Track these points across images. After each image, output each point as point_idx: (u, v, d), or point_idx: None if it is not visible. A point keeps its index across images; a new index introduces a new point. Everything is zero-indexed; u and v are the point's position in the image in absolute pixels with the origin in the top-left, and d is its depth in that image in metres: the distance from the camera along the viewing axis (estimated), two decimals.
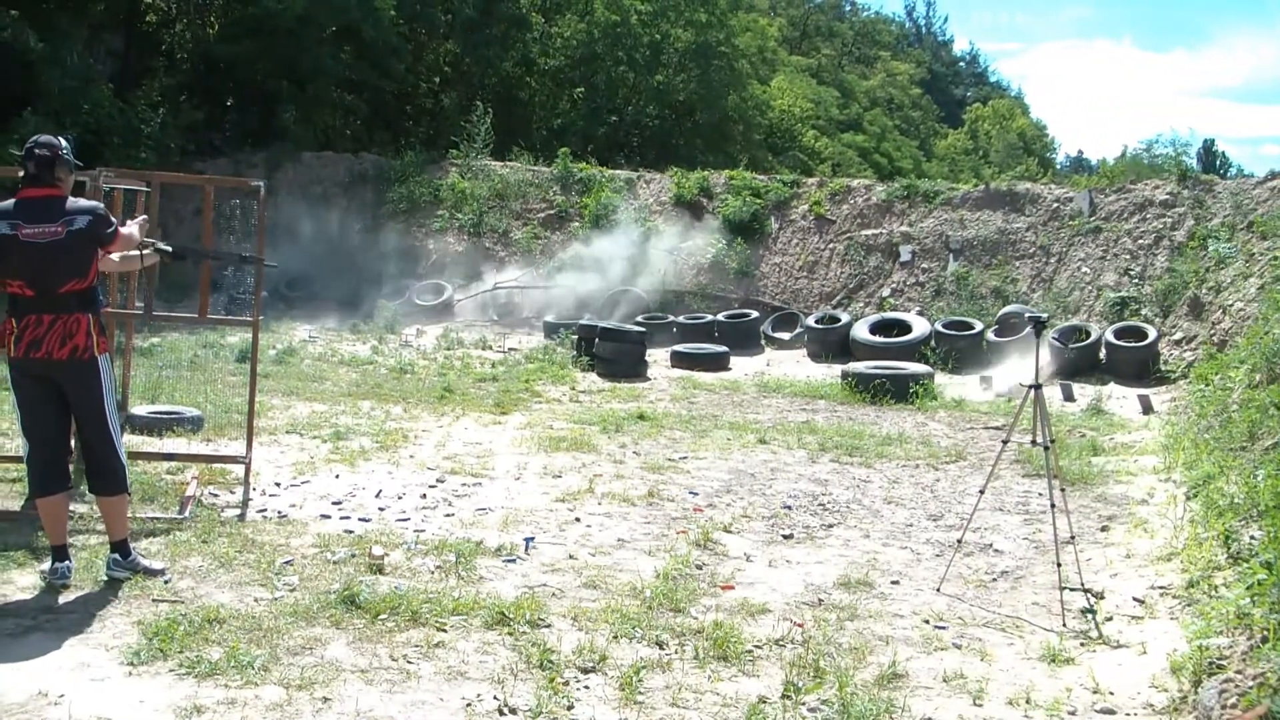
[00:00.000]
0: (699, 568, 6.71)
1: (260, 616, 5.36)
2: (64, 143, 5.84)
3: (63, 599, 5.50)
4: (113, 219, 5.94)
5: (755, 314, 20.09)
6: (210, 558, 6.26)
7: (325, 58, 26.37)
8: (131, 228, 6.35)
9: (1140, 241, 18.70)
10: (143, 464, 8.22)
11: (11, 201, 5.68)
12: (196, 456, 8.63)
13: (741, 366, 17.35)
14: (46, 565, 5.82)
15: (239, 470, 8.13)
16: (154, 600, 5.53)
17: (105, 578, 5.80)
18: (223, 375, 13.36)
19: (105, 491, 5.90)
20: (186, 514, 7.09)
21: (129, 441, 8.96)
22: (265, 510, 7.50)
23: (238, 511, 7.40)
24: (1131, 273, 18.24)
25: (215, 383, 12.65)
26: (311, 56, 26.03)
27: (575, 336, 17.12)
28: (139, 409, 10.03)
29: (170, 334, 16.38)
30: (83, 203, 5.87)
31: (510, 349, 18.26)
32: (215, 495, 7.79)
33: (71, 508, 6.29)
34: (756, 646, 5.40)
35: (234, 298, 21.24)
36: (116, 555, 5.88)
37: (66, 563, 5.78)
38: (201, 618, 5.24)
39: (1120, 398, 14.33)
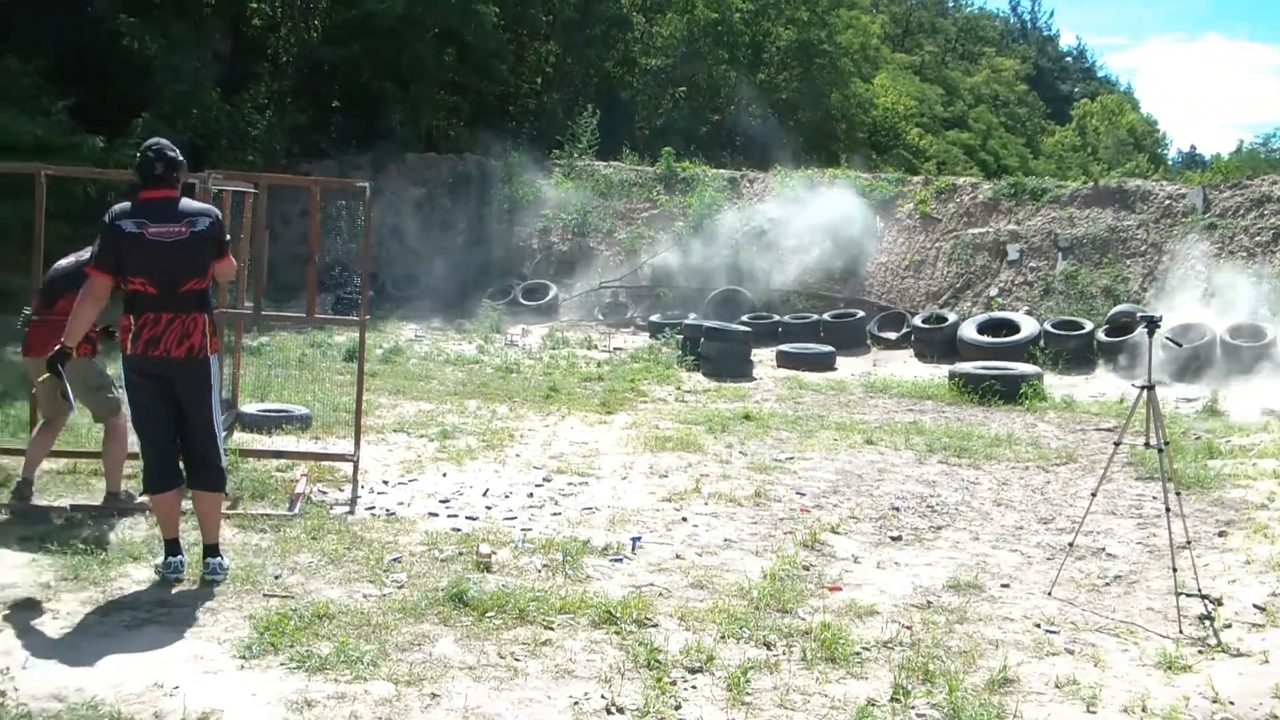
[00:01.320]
0: (806, 568, 6.62)
1: (369, 612, 5.39)
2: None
3: (176, 592, 5.58)
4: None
5: (861, 314, 19.84)
6: (320, 554, 6.32)
7: (428, 59, 26.63)
8: None
9: (1258, 239, 18.12)
10: (253, 461, 8.34)
11: (129, 203, 5.78)
12: (305, 454, 8.74)
13: (847, 366, 17.16)
14: (160, 559, 5.92)
15: (347, 468, 8.21)
16: (265, 595, 5.59)
17: (208, 579, 5.82)
18: (330, 374, 13.54)
19: (206, 486, 5.95)
20: (296, 510, 7.18)
21: (239, 439, 9.14)
22: (374, 508, 7.56)
23: (346, 509, 7.47)
24: (1248, 270, 17.67)
25: (323, 381, 12.82)
26: (415, 58, 26.29)
27: (680, 336, 17.09)
28: (249, 407, 10.19)
29: (279, 333, 16.67)
30: (200, 205, 5.99)
31: (615, 348, 18.27)
32: (324, 492, 7.88)
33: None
34: (865, 649, 5.30)
35: (341, 298, 21.56)
36: (219, 559, 5.92)
37: (180, 557, 5.87)
38: (311, 613, 5.29)
39: (1237, 399, 13.88)
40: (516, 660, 4.95)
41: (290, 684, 4.56)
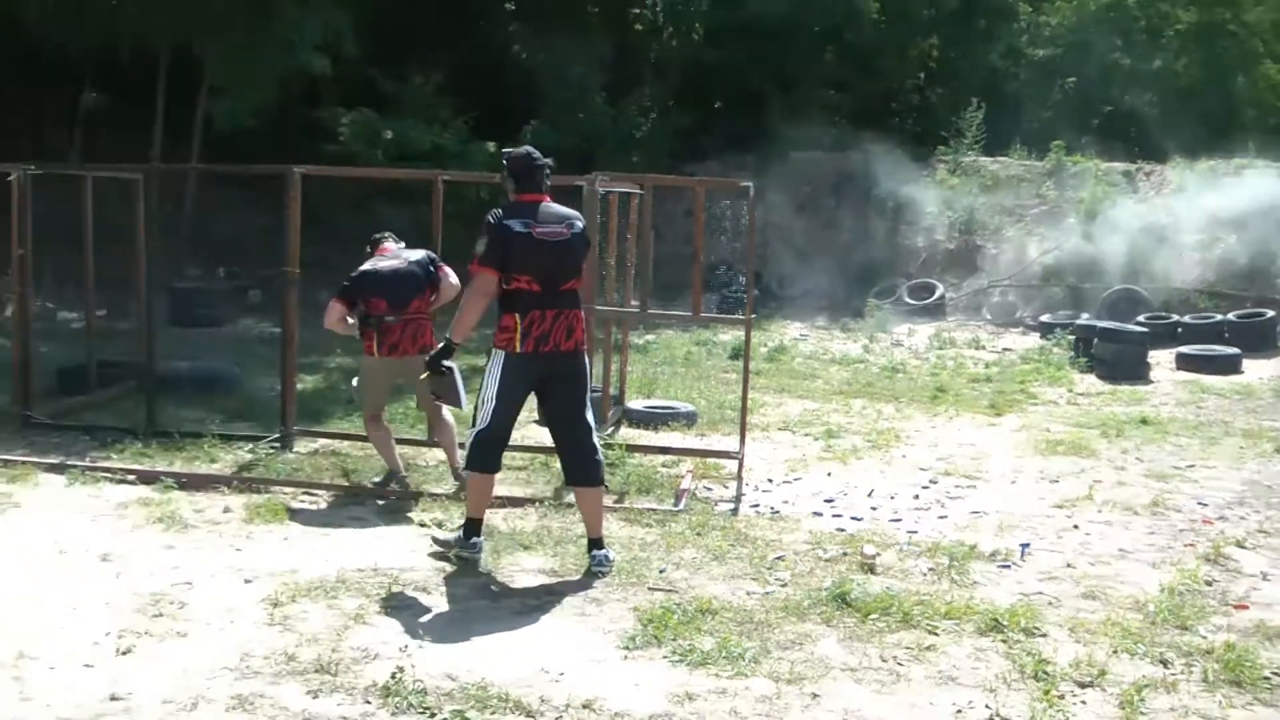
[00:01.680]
0: (1209, 584, 6.03)
1: (752, 610, 5.31)
2: None
3: (563, 583, 5.69)
4: None
5: (1271, 313, 18.06)
6: (704, 550, 6.31)
7: (809, 58, 26.55)
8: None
9: None
10: (639, 456, 8.47)
11: (524, 205, 5.99)
12: (691, 451, 8.80)
13: (1255, 370, 15.64)
14: (462, 538, 6.02)
15: (732, 465, 8.21)
16: (649, 588, 5.62)
17: (595, 570, 5.87)
18: (715, 372, 13.66)
19: (590, 481, 6.04)
20: (681, 506, 7.21)
21: (625, 435, 9.34)
22: (758, 505, 7.50)
23: (731, 506, 7.44)
24: None
25: (708, 379, 12.95)
26: (796, 58, 26.28)
27: (1072, 337, 16.18)
28: (635, 403, 10.40)
29: (665, 332, 17.02)
30: (570, 209, 6.20)
31: (1004, 349, 17.52)
32: (709, 489, 7.89)
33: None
34: (1275, 674, 4.74)
35: (726, 297, 21.80)
36: (604, 551, 5.97)
37: (480, 539, 5.99)
38: (695, 608, 5.26)
39: None
40: (899, 664, 4.74)
41: (672, 677, 4.53)
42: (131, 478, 7.55)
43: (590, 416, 6.07)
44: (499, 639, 4.91)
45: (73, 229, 15.23)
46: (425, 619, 5.13)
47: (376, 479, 7.67)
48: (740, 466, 8.00)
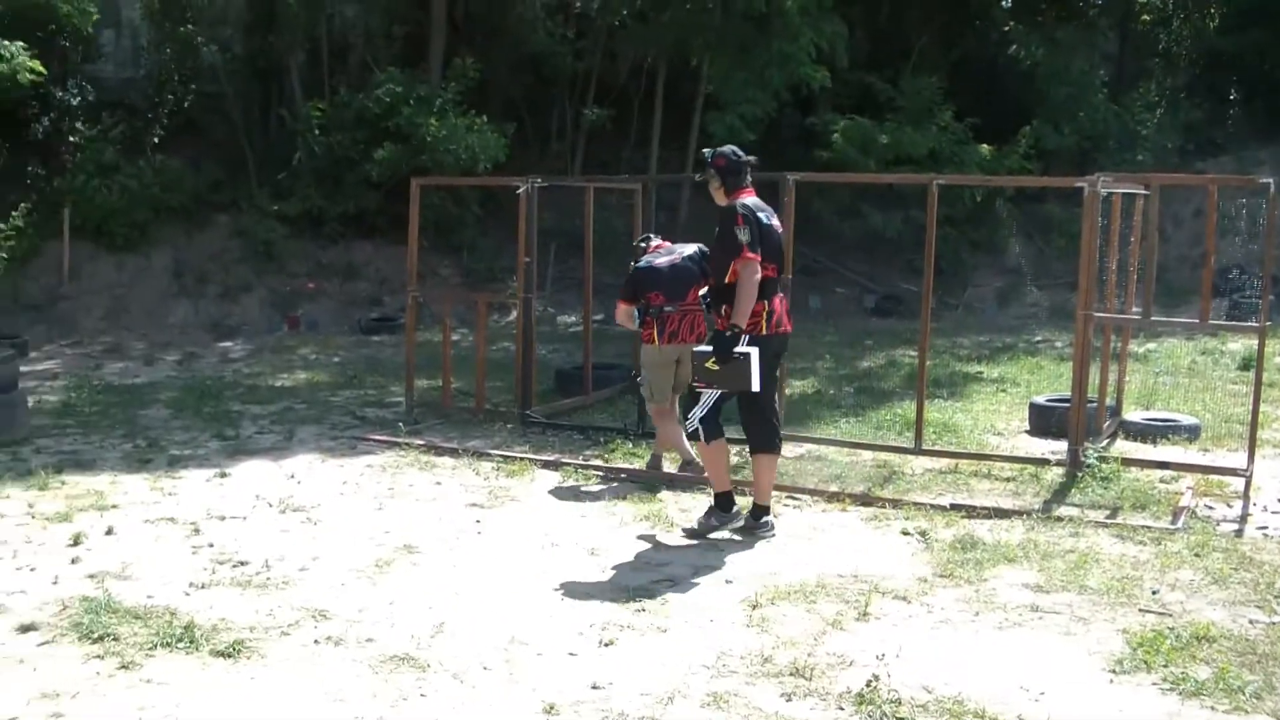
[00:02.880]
0: None
1: (1255, 640, 4.93)
2: None
3: (1047, 599, 5.53)
4: None
5: None
6: (1202, 572, 5.92)
7: None
8: None
9: None
10: (1135, 470, 8.07)
11: (750, 200, 6.45)
12: (1192, 466, 8.26)
13: None
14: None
15: (1238, 483, 7.63)
16: (1140, 610, 5.35)
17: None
18: (1223, 383, 12.69)
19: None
20: (1179, 524, 6.79)
21: (1122, 447, 8.92)
22: (1266, 528, 6.91)
23: (1235, 526, 6.92)
24: None
25: (1214, 390, 12.05)
26: None
27: None
28: (1133, 415, 9.89)
29: (1168, 340, 16.00)
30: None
31: None
32: (1210, 508, 7.38)
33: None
34: None
35: (1237, 302, 20.17)
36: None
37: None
38: (1190, 634, 4.96)
39: None
40: None
41: (1162, 705, 4.30)
42: (622, 476, 8.11)
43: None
44: (978, 653, 4.84)
45: (573, 237, 16.51)
46: (903, 628, 5.13)
47: (670, 467, 8.18)
48: (1247, 485, 7.42)
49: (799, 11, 19.02)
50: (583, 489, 7.81)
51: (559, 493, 7.72)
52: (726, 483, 6.67)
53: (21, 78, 15.94)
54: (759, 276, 6.25)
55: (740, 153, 6.63)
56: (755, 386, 6.31)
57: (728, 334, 6.28)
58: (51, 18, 17.44)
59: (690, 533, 6.64)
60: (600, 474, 8.18)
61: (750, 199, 6.46)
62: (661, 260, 8.07)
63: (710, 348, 6.41)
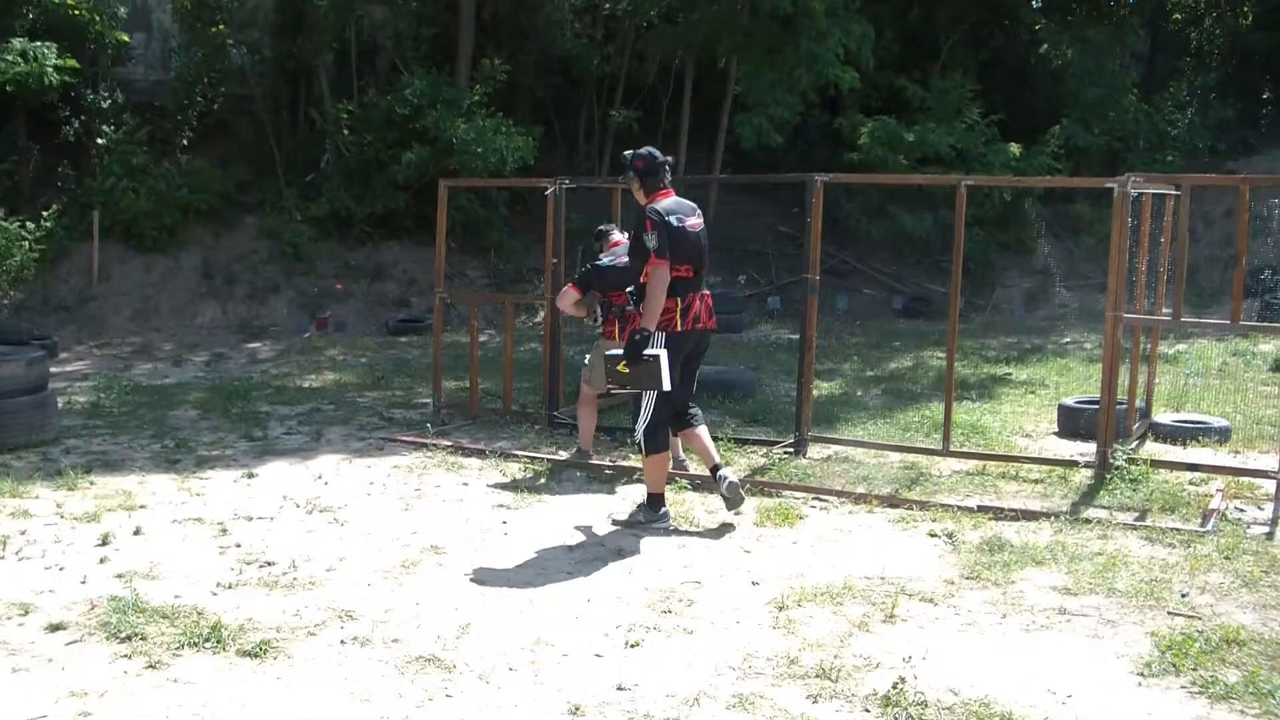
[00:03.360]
0: None
1: None
2: None
3: (1075, 602, 5.49)
4: None
5: None
6: (1232, 575, 5.87)
7: None
8: None
9: None
10: (1164, 472, 8.02)
11: (666, 202, 6.77)
12: (1223, 468, 8.20)
13: None
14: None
15: (1269, 485, 7.57)
16: (1169, 613, 5.31)
17: None
18: (1254, 384, 12.59)
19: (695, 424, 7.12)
20: (1209, 527, 6.73)
21: (1151, 450, 8.86)
22: None
23: (1266, 529, 6.85)
24: None
25: (1245, 392, 11.96)
26: None
27: None
28: (1163, 417, 9.82)
29: (1198, 341, 15.89)
30: (691, 202, 7.04)
31: None
32: (1241, 510, 7.32)
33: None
34: None
35: (1269, 303, 20.00)
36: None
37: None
38: (1219, 637, 4.92)
39: None
40: None
41: (1190, 709, 4.26)
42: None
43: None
44: (1005, 655, 4.82)
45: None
46: (930, 630, 5.11)
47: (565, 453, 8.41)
48: (1279, 487, 7.35)
49: (825, 12, 18.96)
50: (608, 490, 7.80)
51: (585, 493, 7.72)
52: (660, 486, 6.98)
53: (49, 78, 16.09)
54: (667, 280, 6.60)
55: (658, 154, 6.94)
56: (667, 386, 6.63)
57: (637, 336, 6.58)
58: (81, 27, 17.64)
59: (618, 522, 7.00)
60: (628, 476, 8.16)
61: (666, 201, 6.80)
62: (622, 260, 8.12)
63: (622, 351, 6.68)
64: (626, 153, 7.04)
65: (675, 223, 6.70)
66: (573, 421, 9.62)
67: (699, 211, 7.02)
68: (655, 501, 6.95)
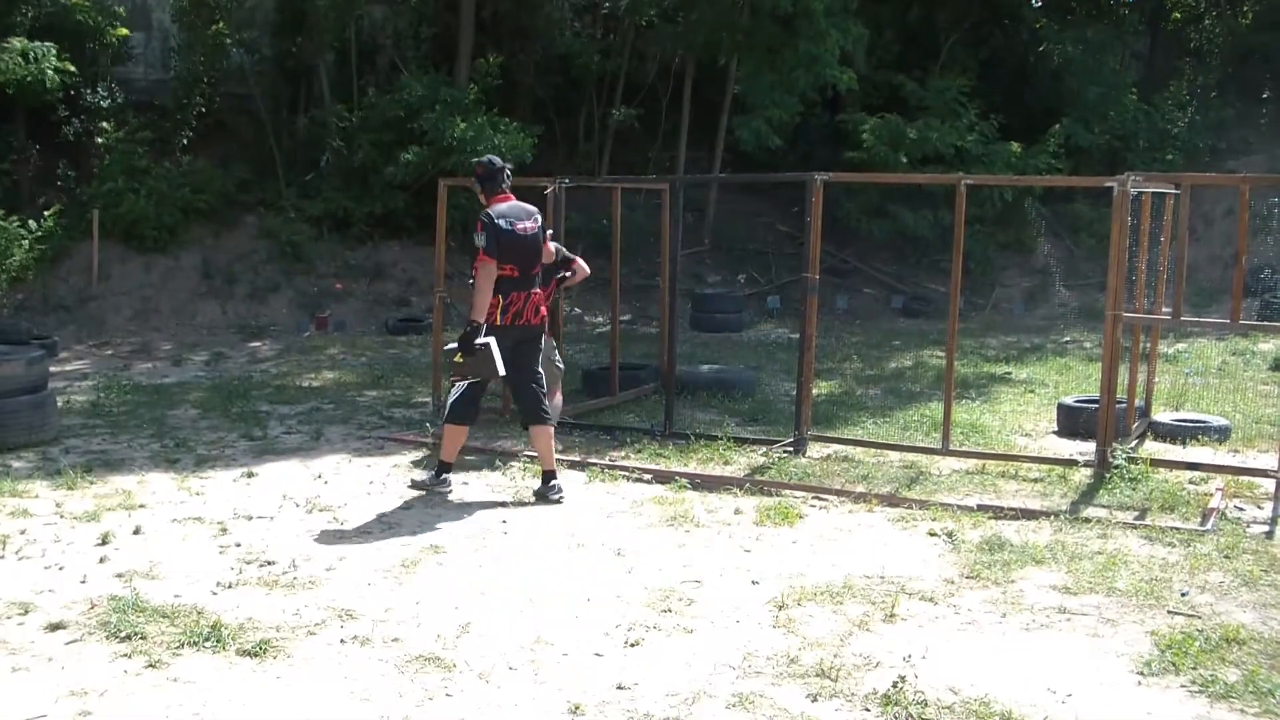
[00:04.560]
0: None
1: None
2: None
3: (1075, 601, 5.49)
4: None
5: None
6: (1232, 574, 5.88)
7: None
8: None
9: None
10: (1164, 471, 8.03)
11: (502, 206, 7.38)
12: (1222, 467, 8.21)
13: None
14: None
15: (1268, 484, 7.59)
16: (1169, 612, 5.32)
17: None
18: (1253, 383, 12.60)
19: (540, 421, 7.61)
20: (1209, 526, 6.74)
21: (1151, 448, 8.87)
22: None
23: (1265, 528, 6.86)
24: None
25: (1244, 391, 11.97)
26: None
27: None
28: (1163, 416, 9.83)
29: (1198, 340, 15.89)
30: (531, 206, 7.64)
31: None
32: (1241, 509, 7.33)
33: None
34: None
35: (1269, 302, 20.00)
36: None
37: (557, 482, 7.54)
38: (1219, 636, 4.93)
39: None
40: None
41: (1190, 708, 4.27)
42: (647, 477, 8.10)
43: (542, 374, 7.67)
44: (1005, 654, 4.82)
45: (600, 237, 16.51)
46: (930, 629, 5.12)
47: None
48: (1278, 486, 7.35)
49: (825, 13, 18.94)
50: (609, 490, 7.80)
51: (585, 493, 7.72)
52: (451, 456, 7.69)
53: (50, 80, 16.08)
54: (493, 277, 7.25)
55: (497, 161, 7.63)
56: (502, 372, 7.28)
57: (467, 329, 7.23)
58: (80, 27, 17.65)
59: (414, 484, 7.76)
60: (627, 475, 8.16)
61: (501, 205, 7.42)
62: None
63: (456, 344, 7.33)
64: (475, 159, 8.04)
65: (505, 225, 7.30)
66: (573, 421, 9.64)
67: (536, 216, 7.57)
68: (442, 468, 7.65)
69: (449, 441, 7.67)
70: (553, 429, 7.80)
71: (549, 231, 8.17)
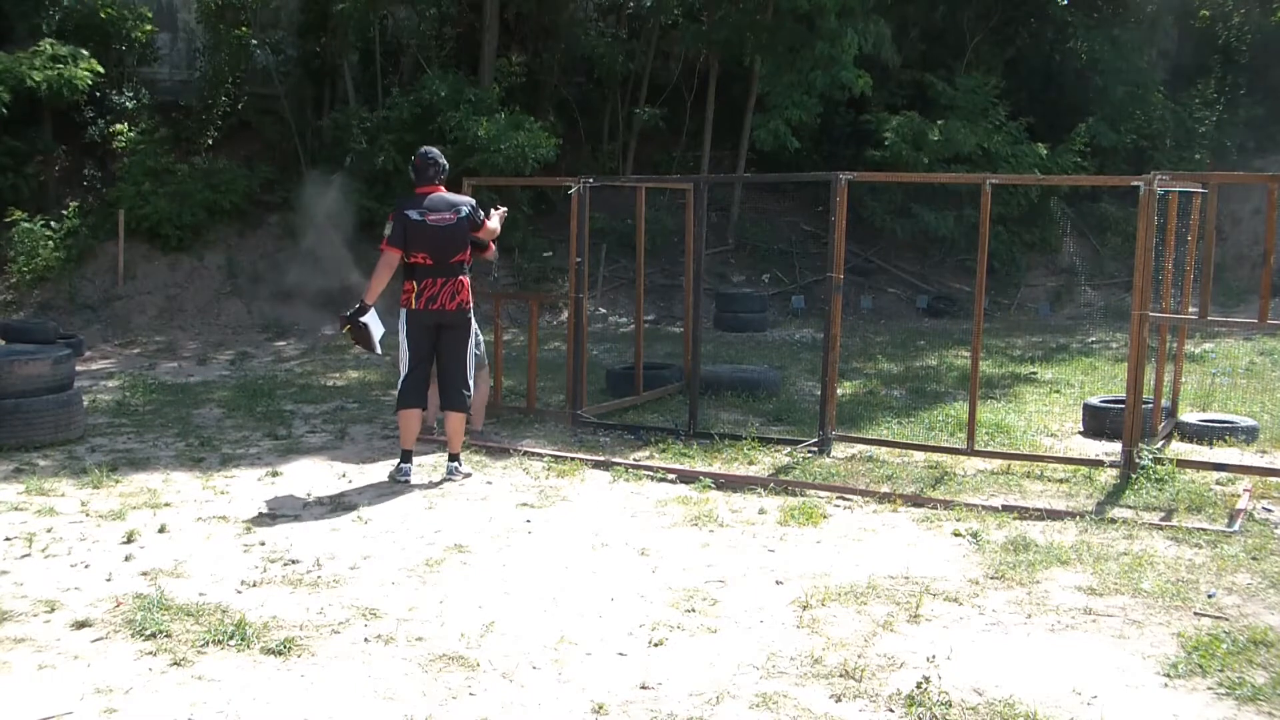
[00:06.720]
0: None
1: None
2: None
3: (1100, 602, 5.46)
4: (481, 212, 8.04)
5: None
6: (1260, 576, 5.83)
7: None
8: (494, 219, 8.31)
9: None
10: (1191, 472, 7.97)
11: (416, 197, 7.81)
12: (1250, 468, 8.15)
13: None
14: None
15: None
16: (1196, 613, 5.28)
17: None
18: None
19: (458, 408, 8.06)
20: (1236, 527, 6.69)
21: (1177, 449, 8.81)
22: None
23: None
24: None
25: (1272, 391, 11.87)
26: None
27: None
28: (1189, 416, 9.76)
29: (1225, 340, 15.78)
30: (461, 196, 8.08)
31: None
32: (1269, 510, 7.26)
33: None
34: None
35: None
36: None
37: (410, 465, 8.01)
38: (1247, 638, 4.89)
39: None
40: None
41: (1216, 710, 4.24)
42: (672, 476, 8.09)
43: (469, 361, 8.08)
44: (1030, 655, 4.80)
45: (624, 236, 16.48)
46: (955, 630, 5.09)
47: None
48: None
49: (837, 13, 18.84)
50: (633, 490, 7.80)
51: (610, 493, 7.72)
52: (407, 444, 8.05)
53: (80, 81, 16.18)
54: (391, 265, 7.79)
55: (431, 154, 8.01)
56: (378, 351, 8.21)
57: (356, 305, 7.93)
58: (106, 27, 17.75)
59: (391, 478, 8.01)
60: (651, 475, 8.16)
61: (424, 196, 7.84)
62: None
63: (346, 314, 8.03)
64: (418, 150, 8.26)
65: (416, 216, 7.75)
66: (597, 420, 9.64)
67: (457, 208, 7.87)
68: (406, 456, 8.03)
69: (402, 428, 8.11)
70: (467, 415, 8.35)
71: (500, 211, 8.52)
